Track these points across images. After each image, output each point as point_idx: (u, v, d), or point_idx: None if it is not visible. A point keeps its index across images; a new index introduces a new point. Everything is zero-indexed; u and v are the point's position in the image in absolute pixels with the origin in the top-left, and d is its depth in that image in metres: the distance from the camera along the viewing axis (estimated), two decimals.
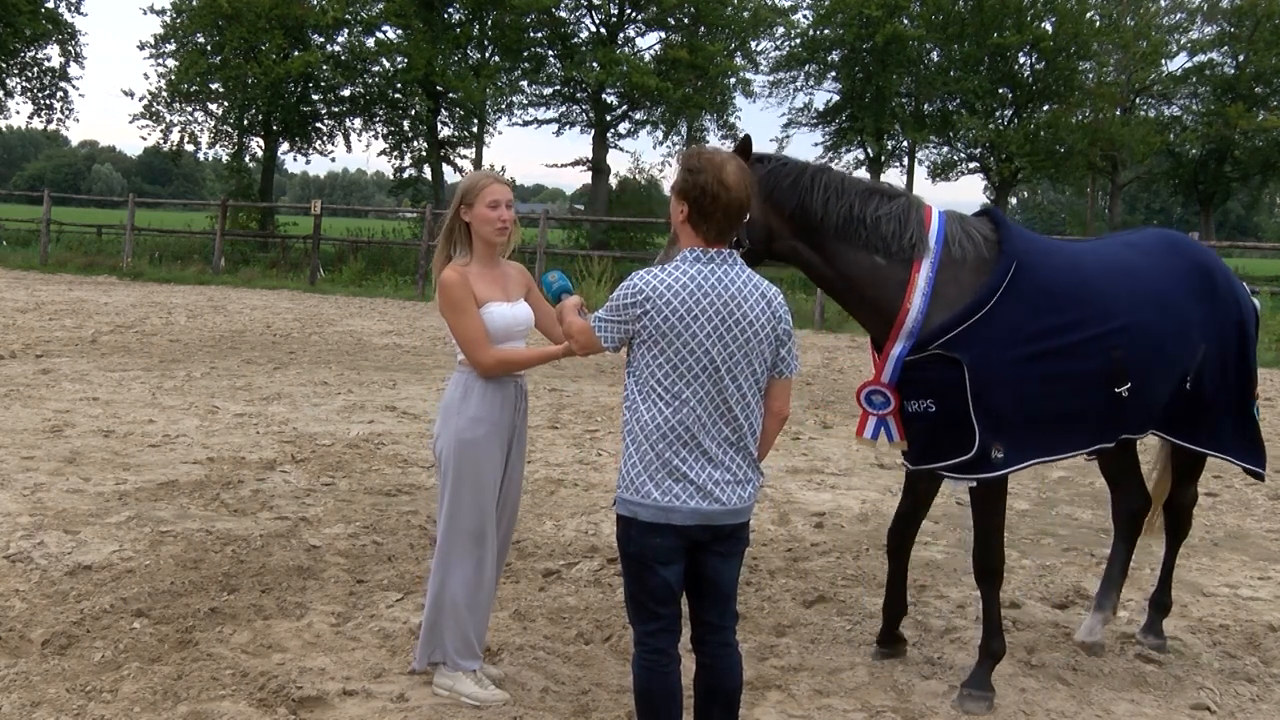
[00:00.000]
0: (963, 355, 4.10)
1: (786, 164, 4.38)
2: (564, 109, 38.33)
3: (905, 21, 36.32)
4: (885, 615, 4.82)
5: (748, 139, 4.24)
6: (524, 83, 37.02)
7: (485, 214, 4.12)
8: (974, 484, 4.28)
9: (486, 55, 36.02)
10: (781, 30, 38.92)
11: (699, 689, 3.49)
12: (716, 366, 3.30)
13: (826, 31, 37.95)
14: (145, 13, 36.42)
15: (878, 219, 4.26)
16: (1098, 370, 4.27)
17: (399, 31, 34.80)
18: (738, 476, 3.36)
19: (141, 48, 38.11)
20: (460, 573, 4.19)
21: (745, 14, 37.01)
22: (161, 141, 37.74)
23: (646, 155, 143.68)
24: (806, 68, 39.66)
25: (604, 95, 36.66)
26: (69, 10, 38.58)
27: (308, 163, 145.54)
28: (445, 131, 37.92)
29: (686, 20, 36.80)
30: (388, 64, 36.03)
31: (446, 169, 38.64)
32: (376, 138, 38.83)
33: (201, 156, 45.08)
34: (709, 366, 3.30)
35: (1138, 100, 39.68)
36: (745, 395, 3.35)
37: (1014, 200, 54.85)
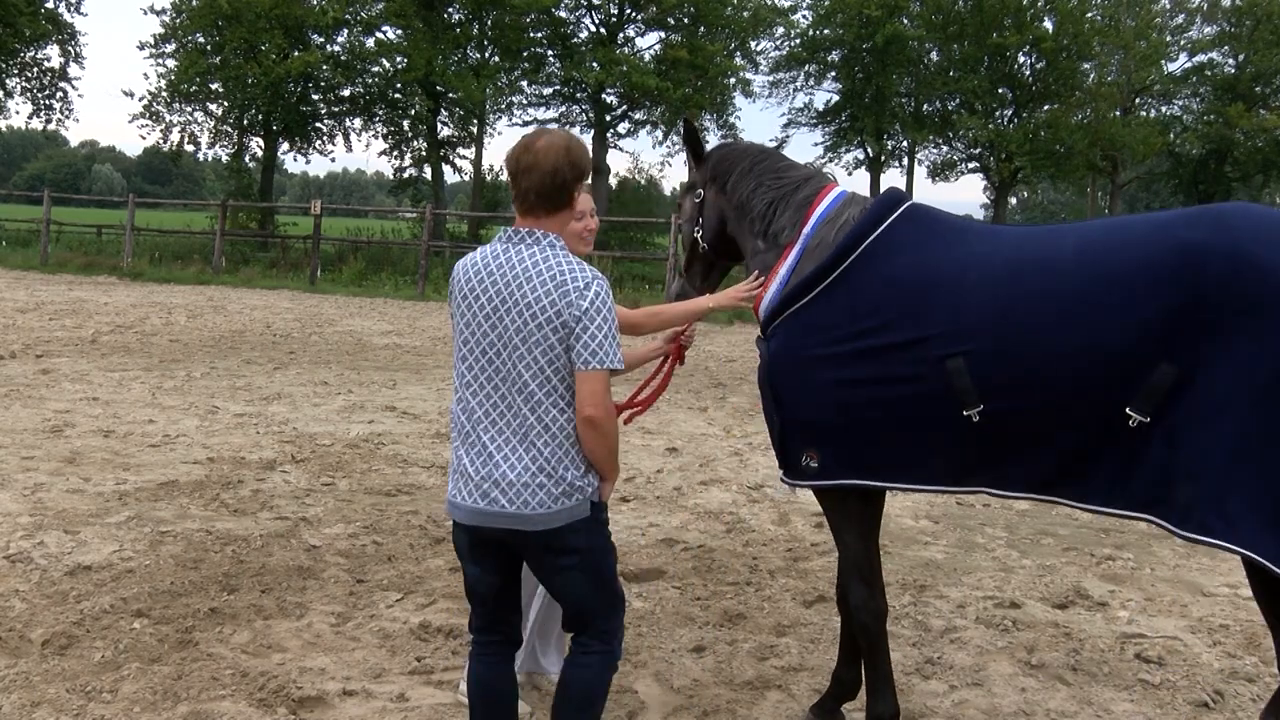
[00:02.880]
0: (767, 347, 3.73)
1: (733, 148, 4.25)
2: (564, 109, 38.41)
3: (905, 21, 36.36)
4: (836, 685, 4.16)
5: (687, 122, 4.34)
6: (524, 83, 37.07)
7: (573, 225, 4.03)
8: (793, 490, 3.84)
9: (486, 55, 36.04)
10: (781, 30, 39.01)
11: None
12: (498, 351, 3.05)
13: (826, 31, 37.99)
14: (145, 13, 36.53)
15: (760, 201, 4.00)
16: (927, 382, 3.41)
17: (399, 31, 34.83)
18: (523, 478, 3.02)
19: (141, 48, 38.26)
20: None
21: (745, 14, 37.04)
22: (161, 141, 37.87)
23: (646, 155, 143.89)
24: (806, 68, 39.72)
25: (604, 95, 36.68)
26: (69, 10, 38.65)
27: (308, 163, 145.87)
28: (445, 131, 38.00)
29: (686, 20, 36.81)
30: (388, 64, 36.07)
31: (446, 169, 38.72)
32: (376, 138, 38.98)
33: (201, 156, 45.11)
34: (488, 350, 3.07)
35: (1138, 100, 39.70)
36: (529, 386, 3.03)
37: (1014, 200, 54.90)
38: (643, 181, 42.66)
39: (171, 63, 35.79)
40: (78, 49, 39.08)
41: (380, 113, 38.04)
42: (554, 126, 3.62)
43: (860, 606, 3.76)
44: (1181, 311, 3.09)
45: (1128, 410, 3.16)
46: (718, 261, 4.33)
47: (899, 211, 3.66)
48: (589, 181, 4.04)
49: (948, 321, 3.39)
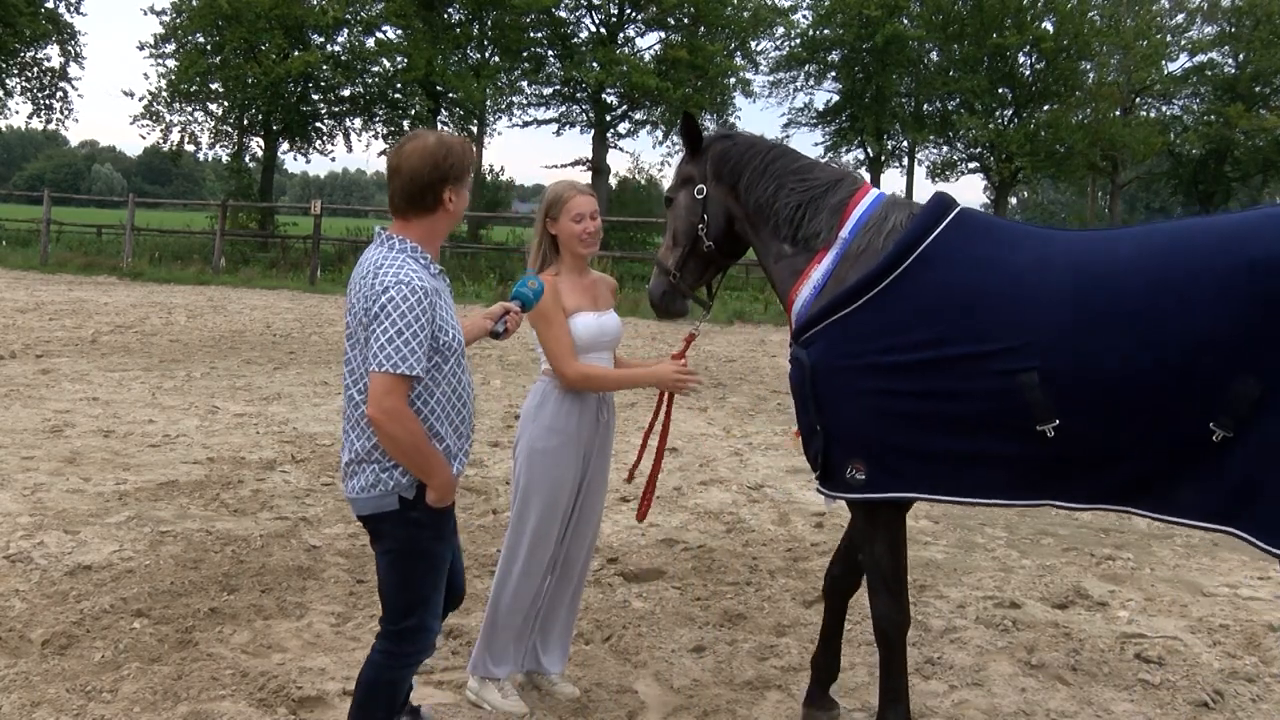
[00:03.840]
0: (808, 355, 3.58)
1: (736, 143, 4.06)
2: (564, 109, 38.38)
3: (905, 21, 36.37)
4: (814, 670, 4.18)
5: (687, 114, 4.13)
6: (524, 83, 37.06)
7: (570, 228, 4.07)
8: (833, 502, 3.70)
9: (486, 55, 36.03)
10: (781, 30, 39.01)
11: None
12: (347, 348, 3.28)
13: (826, 31, 38.00)
14: (145, 13, 36.55)
15: (787, 204, 3.84)
16: (995, 396, 3.32)
17: (399, 31, 34.83)
18: (349, 466, 3.29)
19: (141, 48, 38.24)
20: (506, 580, 4.17)
21: (745, 14, 37.03)
22: (161, 141, 37.84)
23: (646, 155, 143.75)
24: (806, 68, 39.74)
25: (604, 95, 36.67)
26: (69, 10, 38.64)
27: (308, 162, 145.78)
28: (445, 131, 37.90)
29: (686, 20, 36.80)
30: (388, 64, 36.07)
31: None
32: (376, 138, 38.91)
33: (201, 156, 45.13)
34: (345, 345, 3.29)
35: (1138, 100, 39.72)
36: (349, 378, 3.26)
37: (1014, 200, 54.93)
38: (643, 181, 42.65)
39: (171, 63, 35.77)
40: (78, 49, 39.10)
41: (380, 113, 38.00)
42: (443, 130, 3.60)
43: (884, 616, 3.71)
44: (1262, 324, 3.03)
45: (1211, 425, 3.09)
46: (720, 260, 4.16)
47: (951, 217, 3.56)
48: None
49: (1017, 334, 3.29)
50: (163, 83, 35.93)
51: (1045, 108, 37.35)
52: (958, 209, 3.60)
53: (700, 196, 4.07)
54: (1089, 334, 3.21)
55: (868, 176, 39.24)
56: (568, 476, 4.10)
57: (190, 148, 38.88)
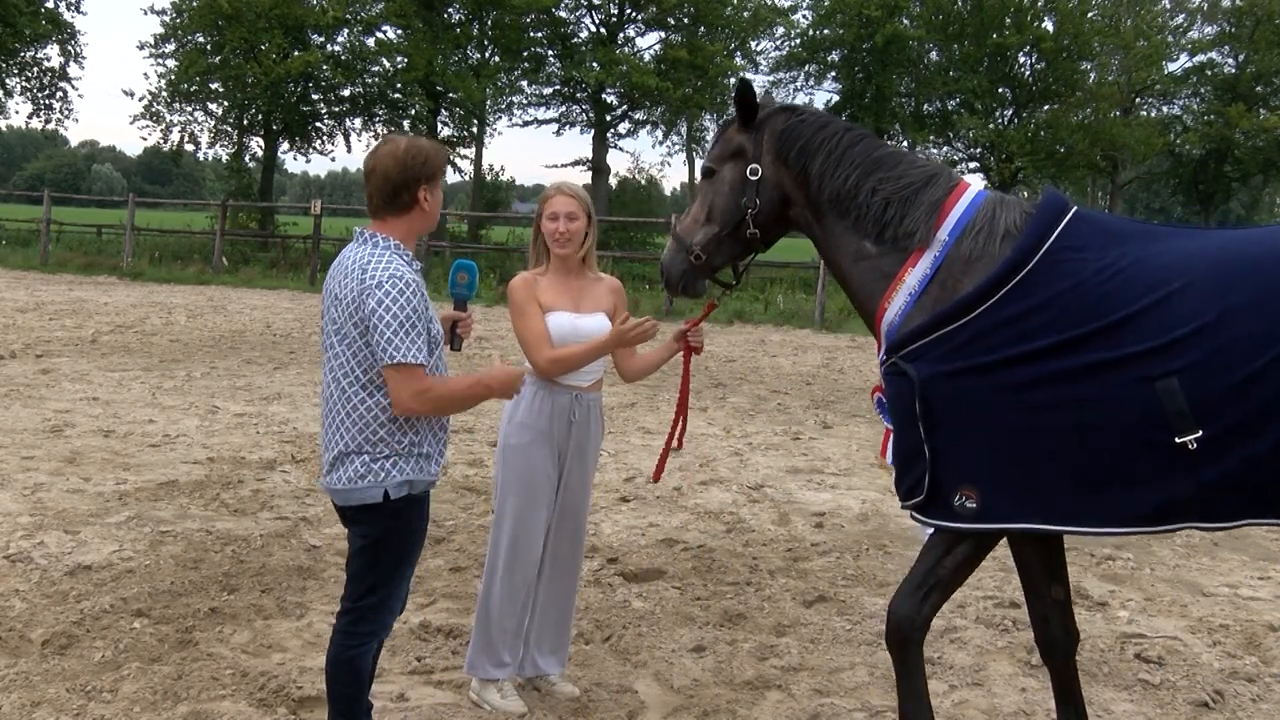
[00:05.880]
0: (916, 369, 3.21)
1: (804, 119, 3.66)
2: (564, 109, 38.41)
3: (905, 21, 36.35)
4: None
5: (744, 83, 3.72)
6: (524, 83, 37.07)
7: (546, 225, 4.18)
8: (931, 530, 3.32)
9: (486, 55, 36.04)
10: (781, 30, 38.99)
11: None
12: (330, 342, 3.35)
13: (826, 32, 37.97)
14: (145, 13, 36.57)
15: (873, 199, 3.48)
16: (1130, 407, 3.03)
17: (399, 31, 34.84)
18: (333, 456, 3.36)
19: (141, 48, 38.23)
20: (492, 579, 4.19)
21: (745, 14, 37.05)
22: (161, 141, 37.85)
23: (646, 155, 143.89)
24: (806, 68, 39.71)
25: (604, 95, 36.69)
26: (69, 10, 38.63)
27: (308, 162, 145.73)
28: (445, 131, 37.94)
29: (686, 20, 36.82)
30: (388, 64, 36.08)
31: (446, 169, 38.62)
32: (376, 138, 38.87)
33: (201, 156, 45.19)
34: (325, 340, 3.38)
35: (1138, 100, 39.72)
36: (334, 373, 3.33)
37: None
38: (643, 181, 42.67)
39: (171, 63, 35.78)
40: (78, 49, 39.05)
41: (380, 113, 38.02)
42: (412, 135, 3.68)
43: (912, 633, 3.47)
44: None
45: None
46: (758, 247, 3.80)
47: (1069, 217, 3.29)
48: (445, 179, 3.97)
49: (1153, 337, 3.02)
50: (163, 83, 35.97)
51: (1045, 108, 37.33)
52: (1074, 209, 3.34)
53: (754, 177, 3.67)
54: (1233, 330, 2.98)
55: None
56: (540, 473, 4.15)
57: (190, 148, 38.95)
